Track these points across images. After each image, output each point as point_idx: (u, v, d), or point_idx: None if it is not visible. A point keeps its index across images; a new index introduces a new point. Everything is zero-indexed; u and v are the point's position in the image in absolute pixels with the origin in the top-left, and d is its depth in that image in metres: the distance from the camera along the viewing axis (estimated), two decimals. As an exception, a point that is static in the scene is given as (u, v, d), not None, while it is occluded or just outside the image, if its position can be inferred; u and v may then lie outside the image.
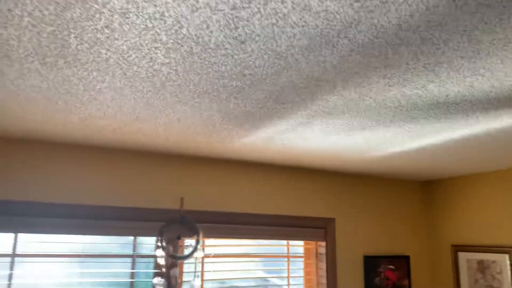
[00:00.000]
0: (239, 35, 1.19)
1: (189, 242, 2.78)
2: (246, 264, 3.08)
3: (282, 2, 1.03)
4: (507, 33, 1.17)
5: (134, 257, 2.74)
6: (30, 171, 2.48)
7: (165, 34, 1.20)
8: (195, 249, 2.70)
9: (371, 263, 3.40)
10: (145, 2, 1.04)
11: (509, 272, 3.04)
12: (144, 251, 2.80)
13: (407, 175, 3.51)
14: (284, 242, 3.22)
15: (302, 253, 3.31)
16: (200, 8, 1.06)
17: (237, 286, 2.99)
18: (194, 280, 2.78)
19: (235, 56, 1.33)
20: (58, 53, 1.32)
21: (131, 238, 2.77)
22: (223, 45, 1.26)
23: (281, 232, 3.11)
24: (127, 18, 1.11)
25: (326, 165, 3.12)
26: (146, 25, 1.15)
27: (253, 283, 3.06)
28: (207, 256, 2.94)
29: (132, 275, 2.71)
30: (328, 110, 1.84)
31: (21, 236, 2.50)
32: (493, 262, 3.14)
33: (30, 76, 1.50)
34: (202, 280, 2.89)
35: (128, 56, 1.34)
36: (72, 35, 1.21)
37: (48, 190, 2.51)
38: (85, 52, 1.31)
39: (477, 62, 1.35)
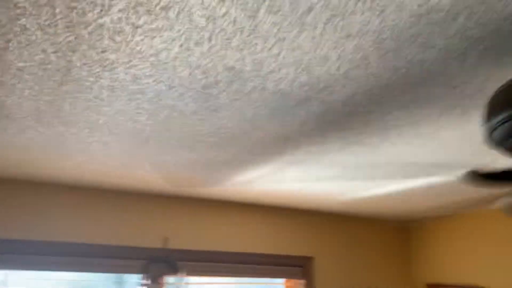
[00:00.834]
0: (211, 105, 1.39)
1: (172, 280, 2.91)
2: (227, 301, 3.19)
3: (243, 85, 1.23)
4: (433, 110, 1.37)
5: (118, 293, 2.85)
6: (18, 210, 2.63)
7: (147, 103, 1.39)
8: (177, 287, 2.83)
9: (349, 301, 3.51)
10: (129, 81, 1.23)
11: (478, 311, 3.18)
12: (128, 288, 2.92)
13: (384, 216, 3.68)
14: (266, 279, 3.35)
15: (282, 291, 3.44)
16: (175, 86, 1.26)
17: (217, 323, 3.09)
18: (175, 317, 2.89)
19: (210, 121, 1.53)
20: (53, 115, 1.51)
21: (117, 275, 2.89)
22: (199, 112, 1.46)
23: (262, 270, 3.25)
24: (113, 92, 1.30)
25: (304, 205, 3.29)
26: (130, 98, 1.34)
27: (233, 320, 3.16)
28: (189, 293, 3.06)
29: (116, 312, 2.81)
30: (297, 162, 2.04)
31: (10, 273, 2.62)
32: (464, 301, 3.28)
33: (27, 131, 1.69)
34: (184, 316, 2.99)
35: (115, 119, 1.53)
36: (67, 103, 1.40)
37: (35, 228, 2.65)
38: (78, 115, 1.50)
39: (412, 132, 1.56)
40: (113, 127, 1.62)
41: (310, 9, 0.89)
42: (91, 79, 1.22)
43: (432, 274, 3.63)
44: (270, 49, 1.05)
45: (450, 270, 3.50)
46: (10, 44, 1.05)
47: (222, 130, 1.63)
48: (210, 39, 1.01)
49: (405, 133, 1.60)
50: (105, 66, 1.15)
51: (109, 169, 2.27)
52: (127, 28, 0.98)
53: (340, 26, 0.95)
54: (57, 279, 2.73)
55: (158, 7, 0.90)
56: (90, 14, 0.93)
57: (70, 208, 2.76)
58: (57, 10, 0.91)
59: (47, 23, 0.96)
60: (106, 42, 1.03)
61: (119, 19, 0.94)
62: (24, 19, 0.95)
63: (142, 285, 2.79)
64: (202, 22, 0.95)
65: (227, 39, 1.01)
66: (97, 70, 1.17)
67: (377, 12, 0.90)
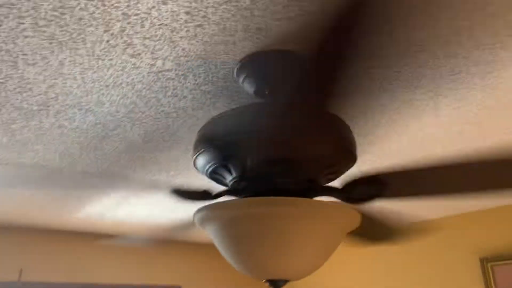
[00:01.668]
0: (21, 138, 1.53)
1: (26, 313, 2.86)
2: (88, 334, 3.18)
3: (41, 121, 1.39)
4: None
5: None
6: None
7: (-45, 136, 1.49)
8: (29, 320, 2.79)
9: (216, 329, 3.65)
10: None
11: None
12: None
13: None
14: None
15: (149, 321, 3.49)
16: (-25, 121, 1.38)
17: None
18: None
19: (24, 154, 1.65)
20: None
21: (-37, 311, 2.78)
22: (11, 145, 1.58)
23: (126, 300, 3.29)
24: None
25: (168, 237, 3.43)
26: None
27: None
28: (46, 327, 3.01)
29: None
30: (134, 195, 2.20)
31: None
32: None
33: None
34: None
35: None
36: None
37: None
38: None
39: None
40: None
41: (62, 63, 1.09)
42: None
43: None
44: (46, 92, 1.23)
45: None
46: None
47: (41, 162, 1.76)
48: (-12, 83, 1.17)
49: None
50: None
51: None
52: None
53: (95, 77, 1.16)
54: None
55: None
56: None
57: None
58: None
59: None
60: None
61: None
62: None
63: (-9, 320, 2.71)
64: (-27, 68, 1.10)
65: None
66: None
67: (122, 69, 1.12)
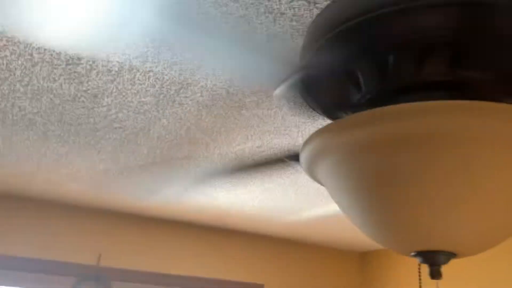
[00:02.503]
0: (88, 88, 1.31)
1: (104, 300, 2.74)
2: (166, 328, 3.00)
3: (108, 61, 1.16)
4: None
5: (43, 313, 2.67)
6: None
7: (20, 85, 1.31)
8: (106, 308, 2.65)
9: (300, 334, 3.30)
10: (-14, 53, 1.16)
11: None
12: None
13: (342, 244, 3.52)
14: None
15: (228, 320, 3.23)
16: (39, 62, 1.18)
17: None
18: None
19: (94, 110, 1.44)
20: None
21: (44, 293, 2.72)
22: (78, 98, 1.37)
23: (205, 295, 3.06)
24: (-25, 67, 1.23)
25: (251, 228, 3.15)
26: (-2, 75, 1.27)
27: None
28: (123, 316, 2.87)
29: (39, 333, 2.63)
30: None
31: None
32: (420, 338, 3.07)
33: None
34: None
35: (-3, 104, 1.45)
36: None
37: (-40, 237, 2.51)
38: (-44, 98, 1.42)
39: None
40: (1, 116, 1.53)
41: None
42: None
43: (391, 308, 3.43)
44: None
45: (407, 303, 3.31)
46: None
47: (114, 124, 1.54)
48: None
49: (307, 132, 1.51)
50: (-49, 32, 1.07)
51: (25, 174, 2.17)
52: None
53: None
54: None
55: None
56: None
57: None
58: None
59: None
60: None
61: None
62: None
63: (69, 304, 2.62)
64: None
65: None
66: None
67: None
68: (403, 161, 0.54)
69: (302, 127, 1.47)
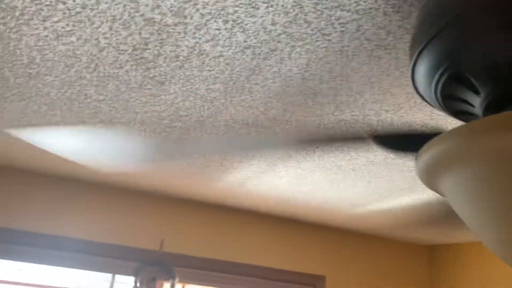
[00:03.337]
0: (155, 75, 1.24)
1: (166, 285, 2.75)
2: (226, 315, 2.98)
3: (177, 46, 1.07)
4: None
5: (109, 295, 2.73)
6: (16, 200, 2.60)
7: (86, 72, 1.26)
8: (169, 293, 2.66)
9: (364, 329, 3.18)
10: (53, 40, 1.11)
11: None
12: (121, 290, 2.79)
13: (410, 237, 3.33)
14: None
15: (289, 310, 3.16)
16: (105, 48, 1.12)
17: (213, 338, 2.88)
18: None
19: (161, 98, 1.38)
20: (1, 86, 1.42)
21: (110, 275, 2.78)
22: (145, 85, 1.31)
23: (265, 285, 3.01)
24: (43, 54, 1.19)
25: (315, 218, 3.03)
26: (65, 63, 1.22)
27: (231, 336, 2.94)
28: (185, 302, 2.88)
29: (105, 314, 2.69)
30: (282, 158, 1.83)
31: (1, 262, 2.58)
32: None
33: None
34: (177, 327, 2.81)
35: (64, 92, 1.42)
36: (6, 69, 1.30)
37: (31, 219, 2.60)
38: (25, 87, 1.41)
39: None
40: (69, 104, 1.51)
41: None
42: (13, 36, 1.11)
43: (462, 307, 3.21)
44: (184, -7, 0.88)
45: (482, 304, 3.08)
46: None
47: (180, 112, 1.47)
48: (111, -22, 0.87)
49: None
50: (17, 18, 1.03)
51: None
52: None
53: None
54: (47, 273, 2.66)
55: None
56: None
57: (67, 203, 2.70)
58: None
59: None
60: (3, -18, 0.92)
61: None
62: None
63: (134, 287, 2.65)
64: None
65: (130, -23, 0.86)
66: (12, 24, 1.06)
67: None
68: None
69: (383, 115, 1.32)
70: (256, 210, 2.97)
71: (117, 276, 2.78)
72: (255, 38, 1.01)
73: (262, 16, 0.93)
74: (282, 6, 0.89)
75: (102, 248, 2.70)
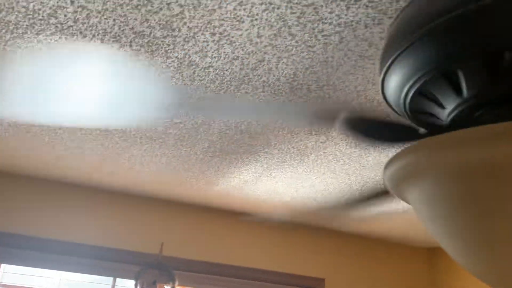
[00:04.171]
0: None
1: (166, 288, 2.78)
2: (226, 318, 3.00)
3: (167, 57, 1.11)
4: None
5: (110, 298, 2.77)
6: (19, 205, 2.64)
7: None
8: (168, 296, 2.69)
9: (363, 332, 3.19)
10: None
11: None
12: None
13: (409, 239, 3.34)
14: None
15: (289, 313, 3.18)
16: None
17: None
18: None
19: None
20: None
21: (111, 279, 2.81)
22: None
23: None
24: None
25: (313, 222, 3.05)
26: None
27: None
28: (185, 305, 2.91)
29: (106, 317, 2.73)
30: (277, 162, 1.86)
31: (5, 267, 2.63)
32: None
33: None
34: (177, 329, 2.84)
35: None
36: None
37: (32, 224, 2.64)
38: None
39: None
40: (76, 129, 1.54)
41: None
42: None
43: (462, 310, 3.22)
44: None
45: (481, 306, 3.09)
46: None
47: (175, 120, 1.50)
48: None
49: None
50: (14, 32, 1.06)
51: (91, 165, 2.21)
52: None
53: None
54: (50, 277, 2.70)
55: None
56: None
57: (68, 208, 2.73)
58: None
59: None
60: None
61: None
62: None
63: (134, 291, 2.68)
64: None
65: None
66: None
67: None
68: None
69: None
70: (254, 211, 3.00)
71: (118, 280, 2.82)
72: (242, 49, 1.04)
73: (247, 29, 0.96)
74: (266, 20, 0.92)
75: (103, 252, 2.74)
